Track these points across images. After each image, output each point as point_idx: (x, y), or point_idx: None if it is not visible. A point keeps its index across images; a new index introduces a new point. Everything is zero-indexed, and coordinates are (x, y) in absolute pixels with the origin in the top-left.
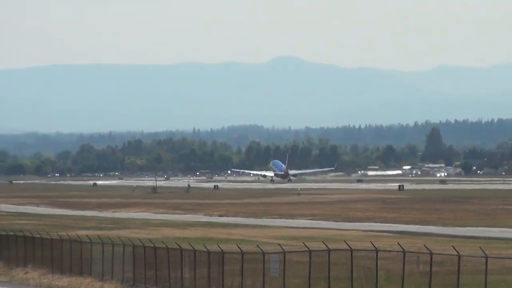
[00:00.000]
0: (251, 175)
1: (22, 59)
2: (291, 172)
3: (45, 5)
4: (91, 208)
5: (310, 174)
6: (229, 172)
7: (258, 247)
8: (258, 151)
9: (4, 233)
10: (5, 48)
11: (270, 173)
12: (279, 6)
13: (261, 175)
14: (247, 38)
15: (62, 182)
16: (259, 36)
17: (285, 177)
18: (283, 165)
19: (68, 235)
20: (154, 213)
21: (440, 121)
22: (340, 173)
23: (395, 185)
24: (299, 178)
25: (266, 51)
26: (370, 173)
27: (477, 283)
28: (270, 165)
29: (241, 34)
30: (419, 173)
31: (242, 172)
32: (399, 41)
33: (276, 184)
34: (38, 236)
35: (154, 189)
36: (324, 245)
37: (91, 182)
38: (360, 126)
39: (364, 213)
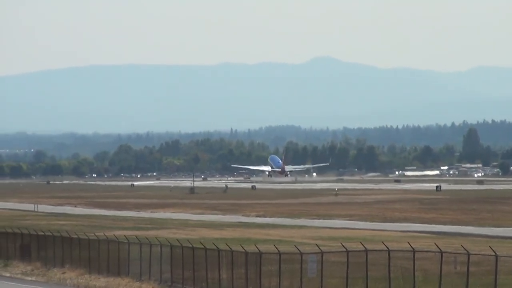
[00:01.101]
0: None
1: (60, 60)
2: (287, 167)
3: (81, 4)
4: (129, 208)
5: (304, 170)
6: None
7: (296, 247)
8: (295, 152)
9: (42, 233)
10: (42, 50)
11: (267, 168)
12: (317, 7)
13: (259, 170)
14: (285, 38)
15: (99, 182)
16: (297, 36)
17: (282, 172)
18: (280, 161)
19: (106, 236)
20: (192, 213)
21: (478, 122)
22: (378, 174)
23: (432, 186)
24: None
25: (304, 52)
26: (408, 173)
27: None
28: (269, 160)
29: (279, 35)
30: (457, 173)
31: (242, 167)
32: (437, 41)
33: (314, 184)
34: (76, 236)
35: (192, 189)
36: (362, 246)
37: (129, 183)
38: (397, 126)
39: (401, 214)
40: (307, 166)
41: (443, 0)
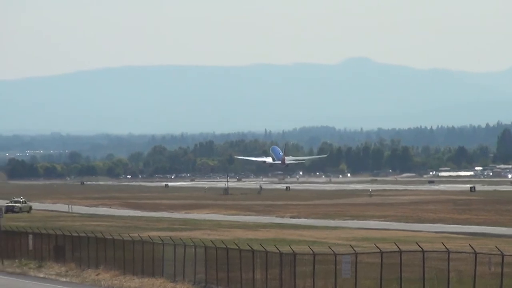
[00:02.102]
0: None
1: (94, 61)
2: (288, 158)
3: (114, 6)
4: (163, 209)
5: (305, 161)
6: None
7: (330, 248)
8: (330, 153)
9: (76, 234)
10: (77, 51)
11: (269, 159)
12: (350, 7)
13: (261, 161)
14: (319, 39)
15: (134, 183)
16: (331, 37)
17: (282, 164)
18: (281, 153)
19: (140, 236)
20: (226, 214)
21: None
22: (412, 174)
23: (466, 187)
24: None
25: (338, 52)
26: (442, 174)
27: None
28: (270, 151)
29: (313, 35)
30: (491, 174)
31: (245, 158)
32: (471, 42)
33: (348, 185)
34: (110, 237)
35: (226, 190)
36: (396, 246)
37: (163, 184)
38: (431, 127)
39: (435, 215)
40: (306, 157)
41: (476, 2)
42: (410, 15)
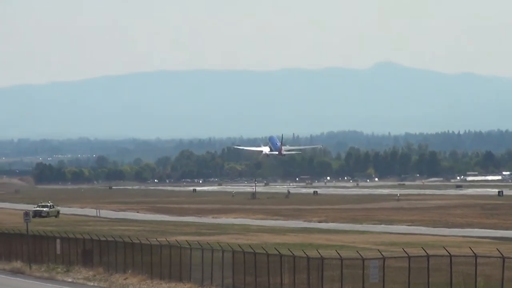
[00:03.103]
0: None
1: (123, 66)
2: (285, 148)
3: (148, 9)
4: (191, 214)
5: (301, 150)
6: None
7: (358, 252)
8: (357, 157)
9: (104, 238)
10: (105, 55)
11: (266, 149)
12: (379, 12)
13: (259, 151)
14: (348, 44)
15: (161, 188)
16: (360, 42)
17: (279, 155)
18: (278, 143)
19: (168, 241)
20: (254, 218)
21: None
22: (439, 179)
23: (494, 191)
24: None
25: (366, 57)
26: (469, 178)
27: None
28: (268, 140)
29: (343, 40)
30: None
31: (242, 148)
32: (499, 45)
33: (375, 190)
34: (138, 241)
35: (254, 195)
36: (423, 251)
37: (191, 188)
38: (459, 131)
39: (463, 219)
40: (303, 147)
41: (505, 6)
42: (439, 19)
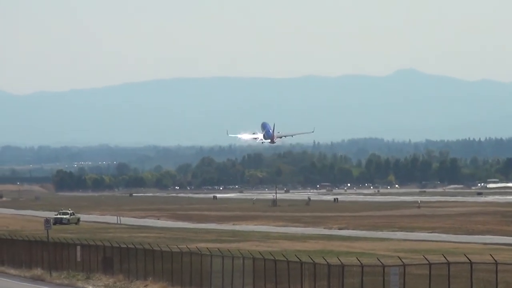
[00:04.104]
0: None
1: (144, 72)
2: (277, 134)
3: (166, 17)
4: (211, 221)
5: (293, 135)
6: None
7: (378, 260)
8: (378, 164)
9: (125, 246)
10: (125, 62)
11: (260, 135)
12: (401, 19)
13: (253, 138)
14: (369, 51)
15: (182, 195)
16: (381, 49)
17: (272, 142)
18: (270, 130)
19: (188, 248)
20: (274, 226)
21: None
22: (460, 186)
23: None
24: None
25: (387, 64)
26: (490, 185)
27: None
28: (261, 126)
29: (363, 47)
30: None
31: (235, 136)
32: None
33: (396, 197)
34: (158, 249)
35: (274, 202)
36: (444, 258)
37: (211, 195)
38: (480, 139)
39: (484, 226)
40: (295, 133)
41: None
42: (460, 27)
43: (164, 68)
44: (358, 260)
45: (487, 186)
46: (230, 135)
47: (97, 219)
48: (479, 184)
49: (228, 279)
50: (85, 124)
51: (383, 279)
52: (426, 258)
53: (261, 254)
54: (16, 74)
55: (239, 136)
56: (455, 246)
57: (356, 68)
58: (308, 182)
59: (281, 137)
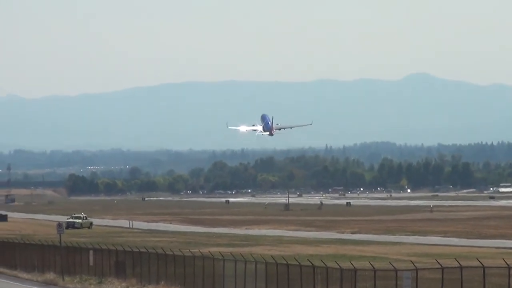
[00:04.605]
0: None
1: (156, 76)
2: (275, 126)
3: (177, 22)
4: (224, 225)
5: (292, 127)
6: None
7: (391, 264)
8: (390, 169)
9: (137, 250)
10: (137, 67)
11: (259, 127)
12: (412, 24)
13: (253, 130)
14: (381, 55)
15: (194, 199)
16: (393, 53)
17: (270, 134)
18: (269, 122)
19: (201, 252)
20: (287, 230)
21: None
22: (472, 190)
23: None
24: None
25: (399, 68)
26: (502, 189)
27: None
28: (260, 118)
29: (375, 51)
30: None
31: (235, 129)
32: None
33: (409, 201)
34: (171, 253)
35: (287, 206)
36: (457, 262)
37: (224, 199)
38: (492, 143)
39: (496, 230)
40: (293, 125)
41: None
42: (471, 31)
43: (176, 72)
44: (371, 264)
45: (500, 190)
46: (230, 127)
47: (110, 223)
48: (491, 188)
49: (240, 283)
50: (97, 128)
51: (396, 283)
52: (438, 262)
53: (273, 259)
54: (28, 78)
55: (238, 128)
56: (467, 250)
57: (369, 72)
58: (321, 186)
59: (279, 129)
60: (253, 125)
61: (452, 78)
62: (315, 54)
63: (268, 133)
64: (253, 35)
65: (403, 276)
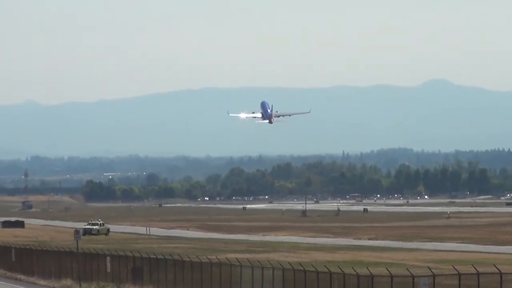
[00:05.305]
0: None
1: (173, 83)
2: (275, 114)
3: (197, 28)
4: (241, 231)
5: (291, 114)
6: None
7: (408, 270)
8: (407, 175)
9: (154, 256)
10: (155, 73)
11: (258, 115)
12: (430, 30)
13: (253, 117)
14: (399, 61)
15: (211, 205)
16: (411, 59)
17: (270, 122)
18: (269, 110)
19: (218, 259)
20: (304, 236)
21: None
22: (489, 196)
23: None
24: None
25: (417, 75)
26: None
27: None
28: (260, 105)
29: (393, 58)
30: None
31: (234, 116)
32: None
33: (425, 207)
34: (188, 259)
35: (304, 212)
36: (474, 269)
37: (241, 206)
38: (509, 149)
39: None
40: (292, 112)
41: None
42: (490, 38)
43: (194, 78)
44: (388, 270)
45: None
46: (230, 114)
47: (127, 230)
48: (508, 195)
49: None
50: (115, 134)
51: None
52: (455, 269)
53: (290, 265)
54: (45, 84)
55: (239, 115)
56: (484, 256)
57: (386, 78)
58: (338, 192)
59: (278, 116)
60: (253, 112)
61: (469, 84)
62: (333, 60)
63: (267, 121)
64: (270, 42)
65: (420, 282)
